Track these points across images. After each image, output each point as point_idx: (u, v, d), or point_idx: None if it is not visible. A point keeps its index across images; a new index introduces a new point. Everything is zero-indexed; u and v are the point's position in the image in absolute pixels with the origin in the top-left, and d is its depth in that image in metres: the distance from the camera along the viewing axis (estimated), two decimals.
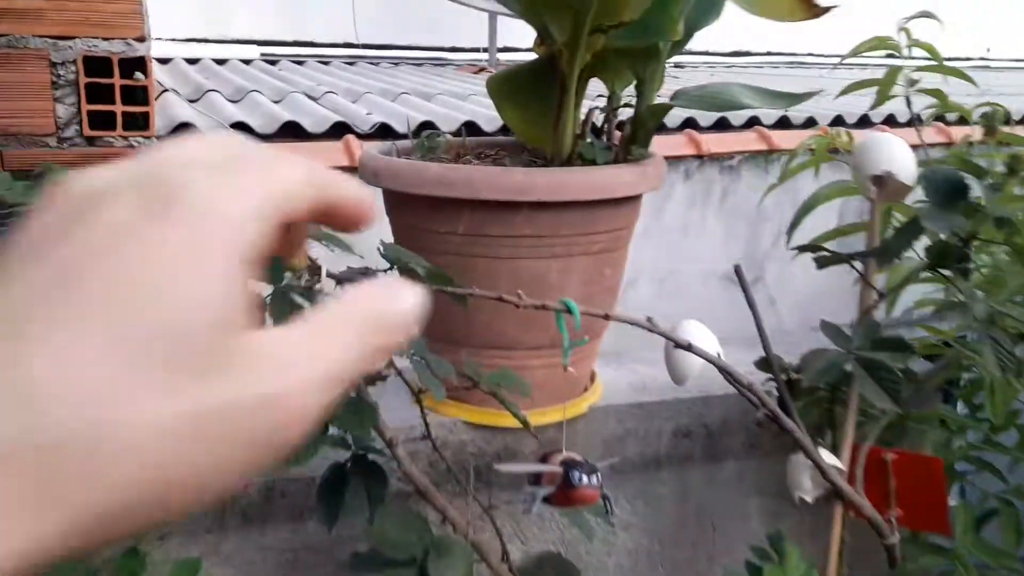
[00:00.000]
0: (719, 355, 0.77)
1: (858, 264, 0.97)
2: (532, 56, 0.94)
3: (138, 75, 0.83)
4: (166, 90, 2.34)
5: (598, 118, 0.96)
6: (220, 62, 3.49)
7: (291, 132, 2.01)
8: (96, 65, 0.82)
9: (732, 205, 2.74)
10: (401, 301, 0.24)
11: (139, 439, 0.18)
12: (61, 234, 0.20)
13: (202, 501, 0.20)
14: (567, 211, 0.82)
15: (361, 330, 0.23)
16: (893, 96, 1.20)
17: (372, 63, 4.12)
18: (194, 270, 0.20)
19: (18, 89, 0.80)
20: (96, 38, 0.80)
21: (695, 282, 2.71)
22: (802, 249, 0.99)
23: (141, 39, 0.81)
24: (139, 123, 0.84)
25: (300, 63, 3.76)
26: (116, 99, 0.82)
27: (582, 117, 0.91)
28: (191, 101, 2.27)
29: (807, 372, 0.85)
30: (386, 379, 0.76)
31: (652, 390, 1.12)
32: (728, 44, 4.85)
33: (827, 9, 0.82)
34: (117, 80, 0.82)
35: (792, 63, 4.97)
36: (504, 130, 1.67)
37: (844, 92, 1.30)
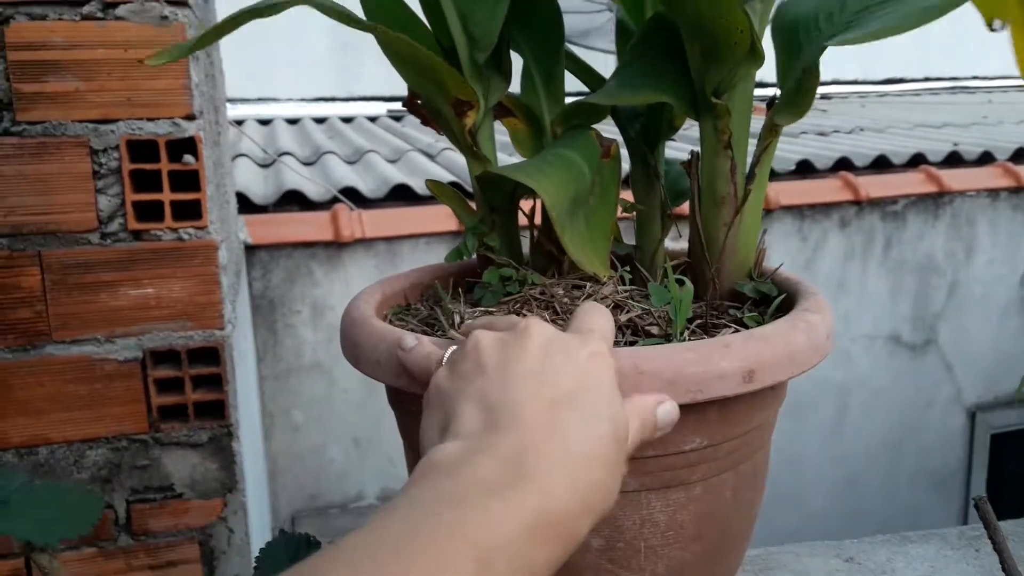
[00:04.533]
0: None
1: None
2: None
3: (188, 158, 0.72)
4: (285, 153, 2.31)
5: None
6: (347, 120, 3.50)
7: (401, 195, 1.92)
8: (141, 149, 0.71)
9: (897, 257, 2.41)
10: (662, 412, 0.42)
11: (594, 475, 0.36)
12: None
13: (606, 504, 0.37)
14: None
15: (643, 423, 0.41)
16: None
17: None
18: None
19: (56, 181, 0.70)
20: (141, 119, 0.70)
21: (856, 347, 2.39)
22: None
23: (190, 117, 0.70)
24: (190, 212, 0.72)
25: None
26: (164, 186, 0.71)
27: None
28: (307, 164, 2.23)
29: None
30: None
31: None
32: (880, 71, 4.46)
33: None
34: (165, 165, 0.71)
35: (954, 89, 4.51)
36: None
37: None
